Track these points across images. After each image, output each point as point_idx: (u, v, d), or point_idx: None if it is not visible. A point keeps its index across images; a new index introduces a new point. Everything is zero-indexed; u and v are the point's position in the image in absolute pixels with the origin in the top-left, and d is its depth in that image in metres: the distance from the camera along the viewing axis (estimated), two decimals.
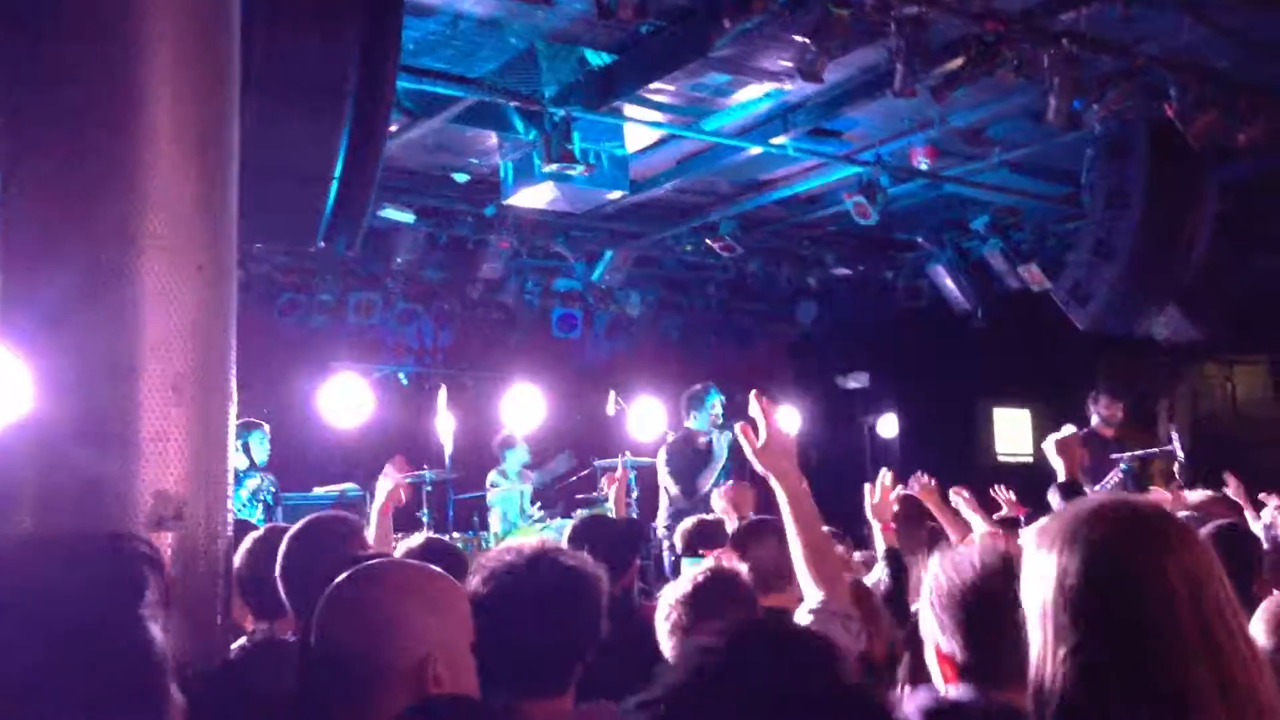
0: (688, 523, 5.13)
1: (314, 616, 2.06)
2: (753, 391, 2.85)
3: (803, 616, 2.65)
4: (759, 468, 2.77)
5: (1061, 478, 3.94)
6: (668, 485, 8.07)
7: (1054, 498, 3.89)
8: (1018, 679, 1.73)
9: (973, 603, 2.11)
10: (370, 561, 2.19)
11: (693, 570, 3.10)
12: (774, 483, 2.76)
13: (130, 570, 1.49)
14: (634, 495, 8.97)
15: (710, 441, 8.07)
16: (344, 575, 2.09)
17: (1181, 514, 5.95)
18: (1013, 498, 6.14)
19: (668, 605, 2.98)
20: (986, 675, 2.07)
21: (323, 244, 4.91)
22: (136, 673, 1.43)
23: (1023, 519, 5.77)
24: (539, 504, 9.29)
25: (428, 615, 2.02)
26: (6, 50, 3.08)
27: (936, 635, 2.15)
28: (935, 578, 2.19)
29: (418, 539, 3.82)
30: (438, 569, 2.17)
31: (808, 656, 1.39)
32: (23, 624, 1.38)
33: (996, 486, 6.22)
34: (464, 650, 2.04)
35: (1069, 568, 1.57)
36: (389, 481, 4.52)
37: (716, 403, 8.12)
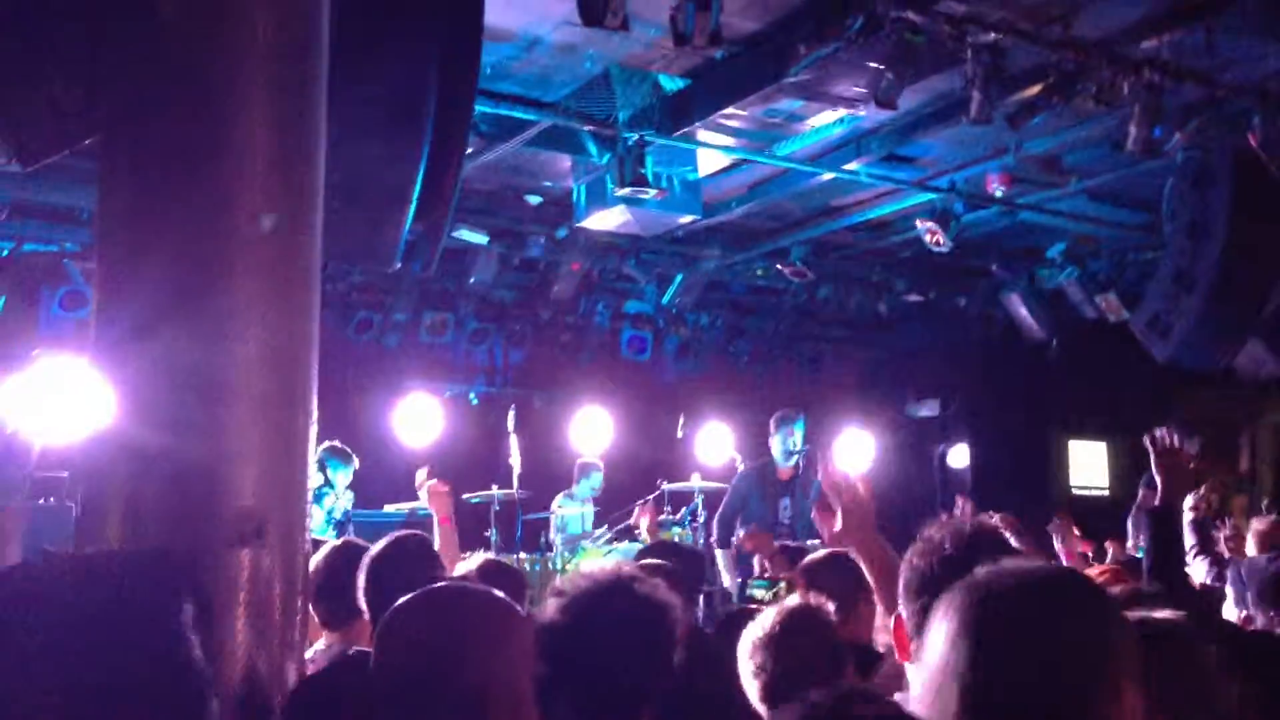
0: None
1: (374, 636, 2.08)
2: (824, 467, 2.78)
3: None
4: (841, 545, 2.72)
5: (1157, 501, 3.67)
6: (753, 510, 8.03)
7: (1145, 524, 3.65)
8: None
9: (924, 568, 2.08)
10: (433, 585, 2.19)
11: (771, 605, 3.03)
12: (857, 556, 2.71)
13: (168, 586, 1.52)
14: (701, 519, 8.95)
15: (788, 470, 7.99)
16: (406, 598, 2.10)
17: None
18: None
19: (750, 643, 2.87)
20: None
21: (400, 265, 4.98)
22: (176, 688, 1.45)
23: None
24: (605, 526, 9.31)
25: (486, 642, 2.01)
26: (105, 68, 3.19)
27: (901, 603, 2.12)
28: (914, 544, 2.17)
29: (475, 559, 3.86)
30: (501, 595, 2.17)
31: None
32: (63, 641, 1.41)
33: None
34: (522, 679, 2.04)
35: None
36: (426, 493, 4.64)
37: (797, 431, 8.02)
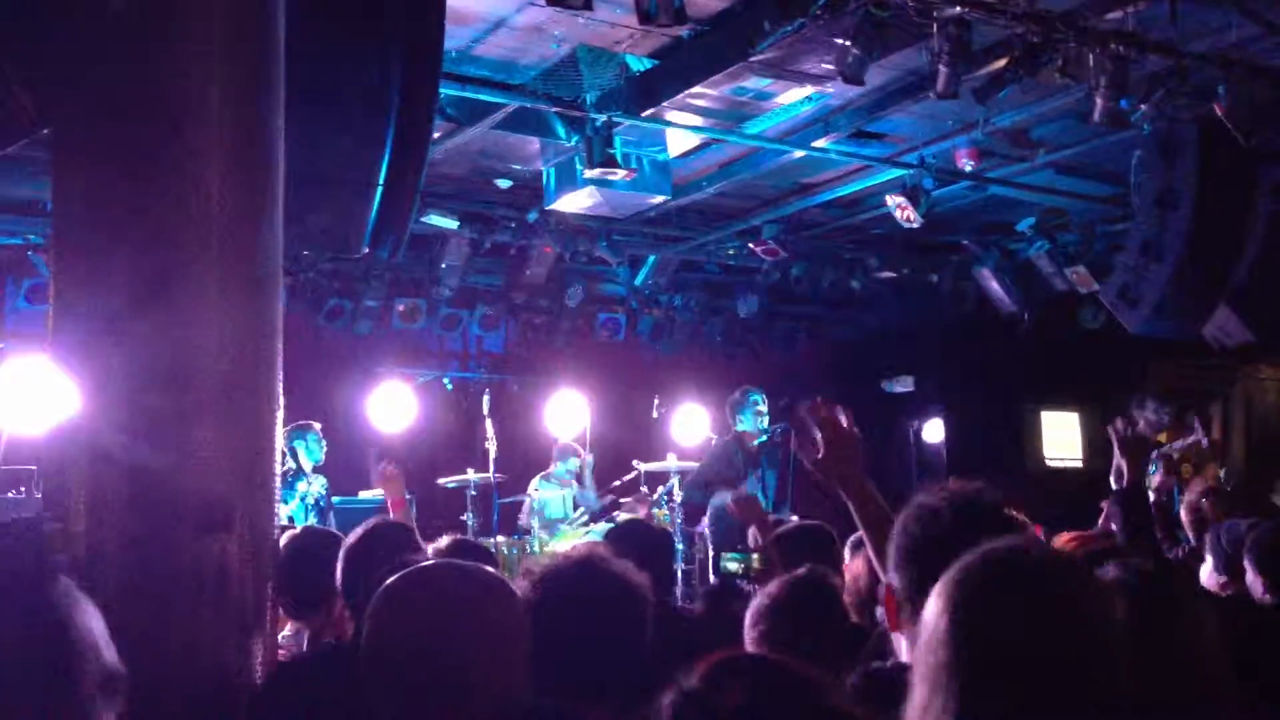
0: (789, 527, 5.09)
1: (365, 617, 2.05)
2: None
3: None
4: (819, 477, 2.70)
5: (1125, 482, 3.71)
6: (714, 483, 8.06)
7: (1115, 508, 3.69)
8: None
9: (919, 537, 2.05)
10: (423, 564, 2.18)
11: (746, 576, 3.03)
12: (843, 493, 2.69)
13: (36, 553, 1.52)
14: (679, 499, 8.97)
15: (762, 443, 8.07)
16: (395, 577, 2.07)
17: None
18: None
19: (756, 611, 2.85)
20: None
21: (368, 250, 4.95)
22: (41, 662, 1.44)
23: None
24: (581, 509, 9.32)
25: (476, 618, 1.99)
26: (57, 63, 3.15)
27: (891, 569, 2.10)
28: (908, 509, 2.15)
29: (445, 540, 3.84)
30: (492, 571, 2.16)
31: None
32: None
33: None
34: (515, 654, 2.03)
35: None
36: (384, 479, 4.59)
37: (760, 403, 8.13)
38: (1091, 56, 6.11)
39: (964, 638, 1.50)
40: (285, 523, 6.49)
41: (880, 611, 2.44)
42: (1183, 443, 9.16)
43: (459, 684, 1.93)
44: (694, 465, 9.09)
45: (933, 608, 1.55)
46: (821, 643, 2.66)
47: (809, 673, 1.48)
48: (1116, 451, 3.73)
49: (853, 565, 3.40)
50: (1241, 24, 6.29)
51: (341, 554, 3.24)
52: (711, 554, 7.96)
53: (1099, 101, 6.30)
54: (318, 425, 8.15)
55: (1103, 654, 1.50)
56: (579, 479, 9.47)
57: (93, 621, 1.50)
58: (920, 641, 1.56)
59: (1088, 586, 1.60)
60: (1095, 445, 12.64)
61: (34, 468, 6.74)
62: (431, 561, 2.23)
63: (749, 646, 2.82)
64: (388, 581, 2.07)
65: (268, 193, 3.16)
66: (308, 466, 8.03)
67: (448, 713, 1.90)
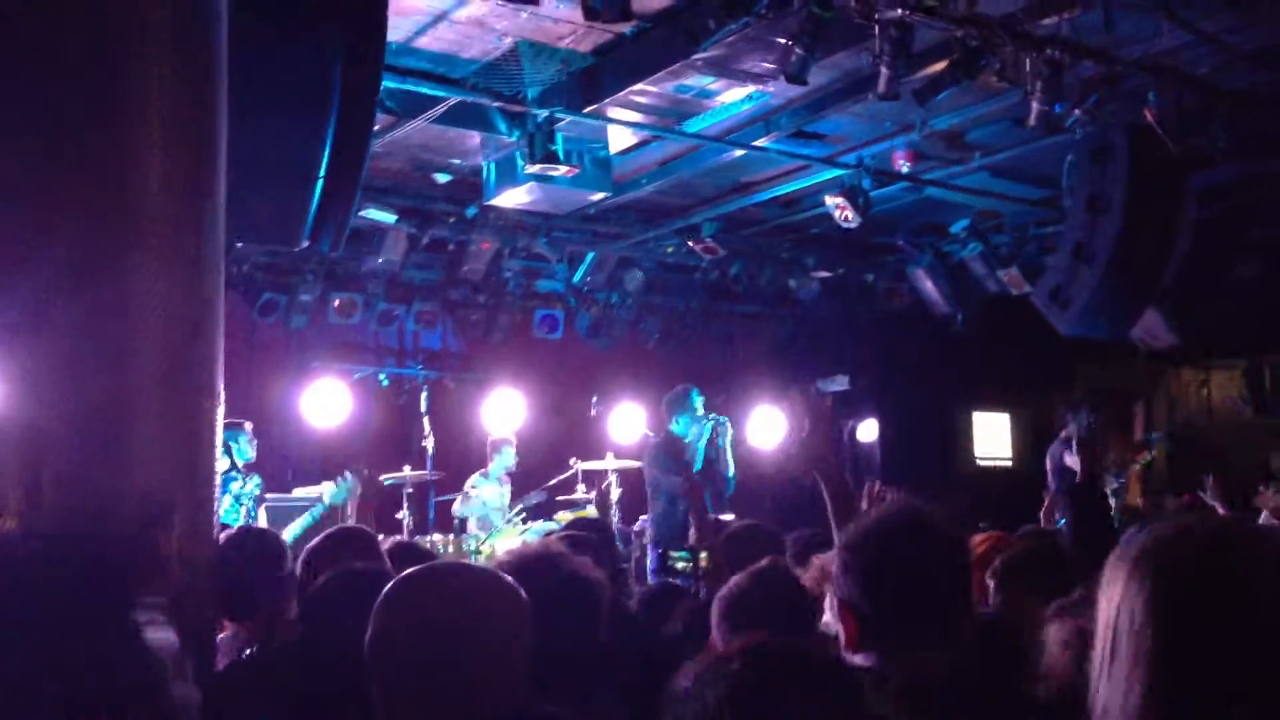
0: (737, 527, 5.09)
1: (374, 621, 1.97)
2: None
3: None
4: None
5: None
6: (661, 484, 8.03)
7: (1063, 498, 3.76)
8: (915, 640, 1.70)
9: (874, 549, 2.06)
10: (435, 563, 2.13)
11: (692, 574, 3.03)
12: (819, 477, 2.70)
13: (119, 570, 1.48)
14: (614, 497, 8.97)
15: (693, 443, 8.08)
16: (406, 575, 2.03)
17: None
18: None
19: (722, 604, 2.83)
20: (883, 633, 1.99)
21: (307, 244, 4.89)
22: (126, 673, 1.41)
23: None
24: (519, 506, 9.27)
25: (487, 620, 1.96)
26: None
27: (839, 583, 2.10)
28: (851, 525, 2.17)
29: (386, 542, 3.79)
30: (502, 575, 2.13)
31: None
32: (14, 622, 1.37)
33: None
34: (520, 656, 1.99)
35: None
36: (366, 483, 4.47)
37: (699, 405, 8.14)
38: (1028, 61, 6.22)
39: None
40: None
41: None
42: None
43: (466, 686, 1.90)
44: (631, 464, 9.10)
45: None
46: (791, 632, 2.67)
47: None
48: (1076, 450, 3.79)
49: (805, 577, 3.40)
50: (1172, 31, 6.44)
51: (301, 558, 3.19)
52: (651, 553, 7.96)
53: (1034, 106, 6.40)
54: (249, 425, 8.02)
55: None
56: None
57: (167, 644, 1.46)
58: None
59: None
60: (1025, 445, 12.88)
61: None
62: (439, 563, 2.18)
63: (718, 640, 2.80)
64: (398, 580, 2.02)
65: (210, 178, 3.10)
66: (239, 462, 7.90)
67: (453, 715, 1.86)
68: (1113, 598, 1.47)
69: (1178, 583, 1.43)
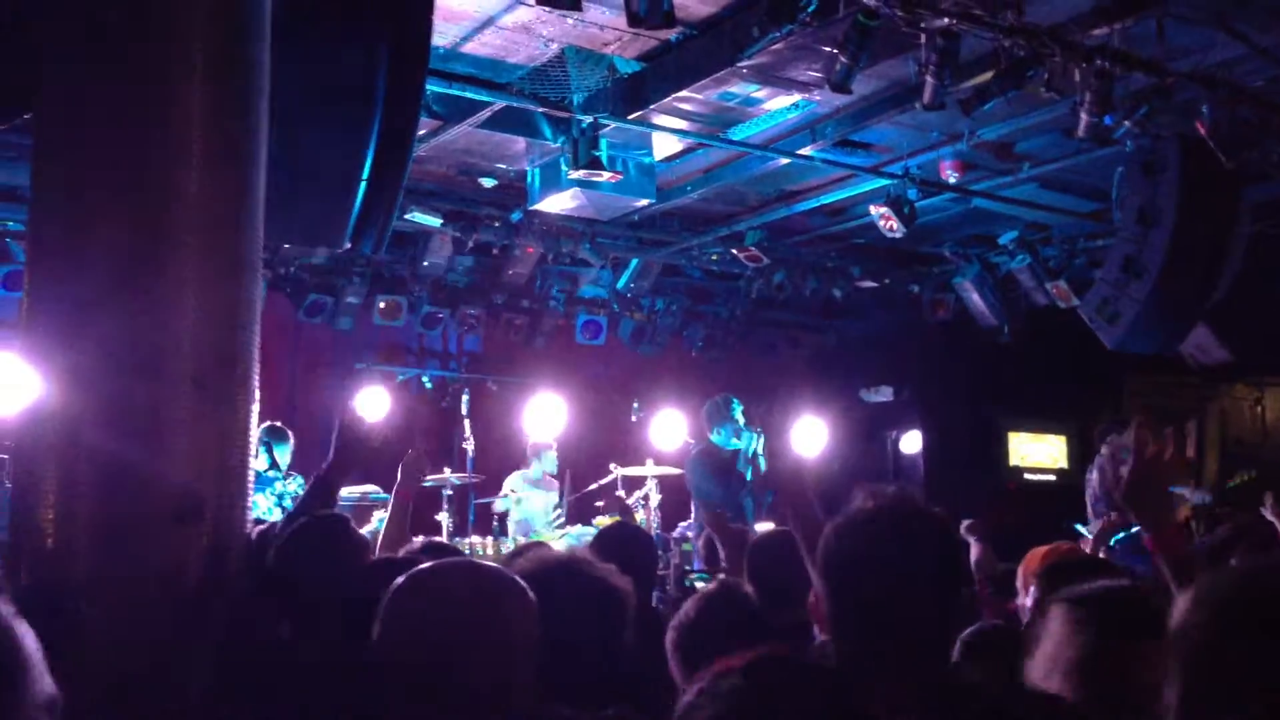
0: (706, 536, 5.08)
1: (379, 619, 1.96)
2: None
3: None
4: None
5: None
6: (704, 494, 8.03)
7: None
8: None
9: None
10: (441, 563, 2.11)
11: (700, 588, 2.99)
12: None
13: None
14: (654, 504, 8.95)
15: (736, 453, 8.03)
16: (409, 575, 2.01)
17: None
18: None
19: (672, 627, 2.81)
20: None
21: (350, 245, 4.93)
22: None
23: None
24: (559, 511, 9.29)
25: (491, 618, 1.95)
26: (43, 46, 3.11)
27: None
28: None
29: (417, 541, 3.78)
30: (508, 572, 2.11)
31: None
32: None
33: None
34: (526, 655, 1.98)
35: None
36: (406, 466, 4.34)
37: (739, 415, 8.07)
38: (1077, 72, 6.14)
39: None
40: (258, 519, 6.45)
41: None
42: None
43: (469, 686, 1.89)
44: (671, 470, 9.08)
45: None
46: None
47: None
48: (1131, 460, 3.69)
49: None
50: (1226, 44, 6.33)
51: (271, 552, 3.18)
52: (695, 564, 7.96)
53: (1083, 117, 6.32)
54: (291, 436, 8.10)
55: None
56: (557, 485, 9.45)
57: (33, 642, 1.47)
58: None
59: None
60: (1071, 460, 12.71)
61: (4, 457, 6.68)
62: (446, 562, 2.16)
63: (675, 671, 2.74)
64: (399, 580, 2.01)
65: (249, 186, 3.14)
66: (283, 465, 8.00)
67: (459, 713, 1.86)
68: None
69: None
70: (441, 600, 1.95)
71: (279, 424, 8.05)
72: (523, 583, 2.04)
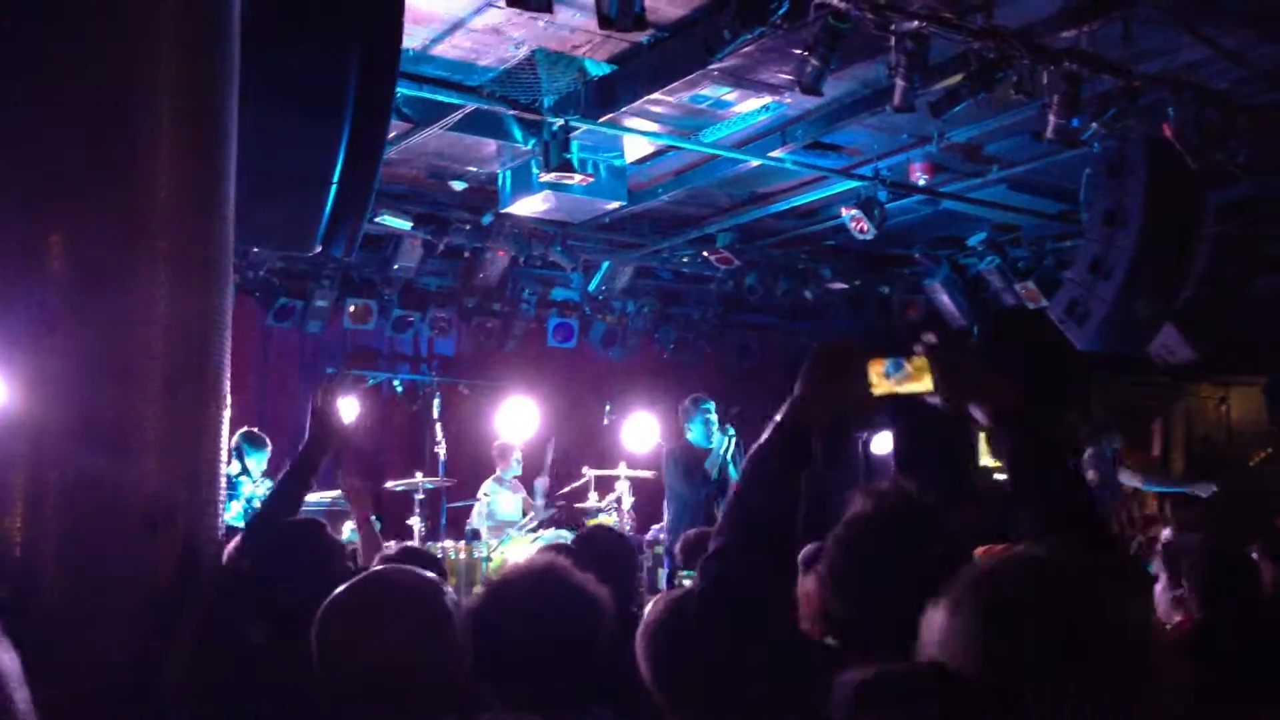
0: (690, 534, 5.08)
1: (316, 628, 2.04)
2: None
3: None
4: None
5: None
6: (673, 492, 8.08)
7: None
8: None
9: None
10: (360, 576, 2.17)
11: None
12: None
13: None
14: (626, 506, 8.95)
15: (709, 451, 8.07)
16: (336, 594, 2.09)
17: None
18: None
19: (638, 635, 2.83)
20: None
21: (320, 249, 4.90)
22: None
23: None
24: (530, 514, 9.27)
25: (407, 625, 2.01)
26: (3, 40, 3.06)
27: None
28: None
29: (394, 546, 3.79)
30: (422, 576, 2.15)
31: None
32: None
33: None
34: (450, 658, 2.02)
35: None
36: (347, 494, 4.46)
37: (711, 412, 8.13)
38: (1045, 74, 6.19)
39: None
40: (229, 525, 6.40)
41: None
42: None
43: (396, 689, 1.94)
44: (644, 473, 9.09)
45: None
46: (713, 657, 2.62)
47: None
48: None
49: (805, 582, 3.35)
50: (1192, 47, 6.40)
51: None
52: (666, 562, 7.96)
53: (1051, 119, 6.37)
54: (269, 446, 8.07)
55: None
56: (529, 489, 9.44)
57: (11, 657, 1.46)
58: None
59: None
60: None
61: None
62: (368, 576, 2.21)
63: (646, 674, 2.73)
64: (330, 599, 2.09)
65: (219, 189, 3.10)
66: (256, 471, 7.95)
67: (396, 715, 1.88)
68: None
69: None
70: (357, 609, 2.06)
71: (256, 430, 8.00)
72: (441, 587, 2.12)
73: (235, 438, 7.83)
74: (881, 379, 2.38)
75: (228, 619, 2.91)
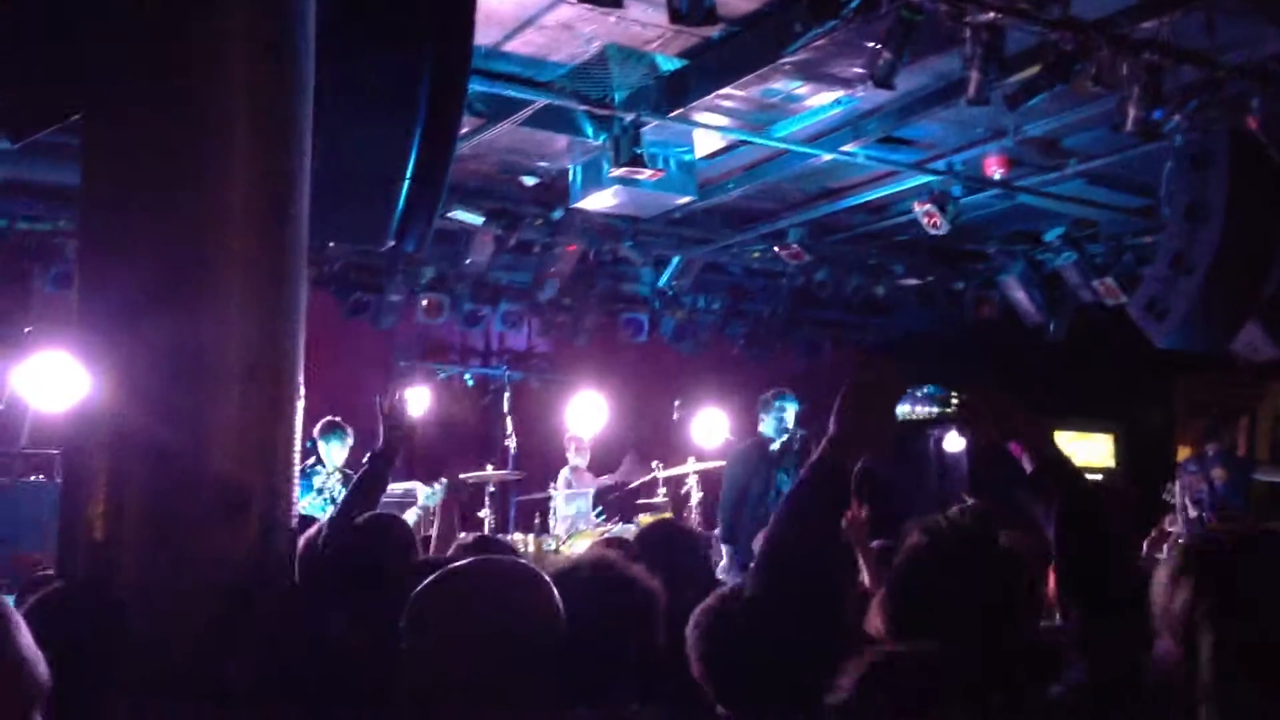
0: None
1: (405, 619, 2.01)
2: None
3: None
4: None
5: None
6: (733, 490, 8.04)
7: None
8: None
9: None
10: (466, 564, 2.14)
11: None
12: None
13: None
14: (695, 501, 8.95)
15: (783, 446, 7.99)
16: (435, 577, 2.05)
17: None
18: None
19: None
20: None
21: (393, 244, 4.97)
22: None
23: None
24: (599, 508, 9.31)
25: (518, 616, 1.98)
26: (92, 47, 3.16)
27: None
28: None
29: (470, 536, 3.85)
30: (535, 569, 2.14)
31: None
32: None
33: None
34: (552, 653, 2.00)
35: None
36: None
37: (787, 407, 8.05)
38: (1125, 65, 6.06)
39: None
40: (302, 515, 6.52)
41: None
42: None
43: (492, 687, 1.91)
44: (712, 468, 9.07)
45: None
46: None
47: None
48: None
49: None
50: (1277, 36, 6.23)
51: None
52: (726, 553, 7.96)
53: (1131, 111, 6.24)
54: (350, 431, 8.18)
55: None
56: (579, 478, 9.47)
57: (26, 633, 1.50)
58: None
59: None
60: (1119, 458, 12.56)
61: (55, 453, 6.79)
62: (472, 562, 2.19)
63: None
64: (430, 578, 2.04)
65: (294, 187, 3.17)
66: (330, 463, 8.07)
67: (485, 710, 1.88)
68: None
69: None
70: (462, 600, 1.99)
71: (338, 419, 8.11)
72: (546, 579, 2.06)
73: (317, 428, 7.95)
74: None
75: (307, 609, 2.98)
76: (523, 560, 2.15)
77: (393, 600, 2.48)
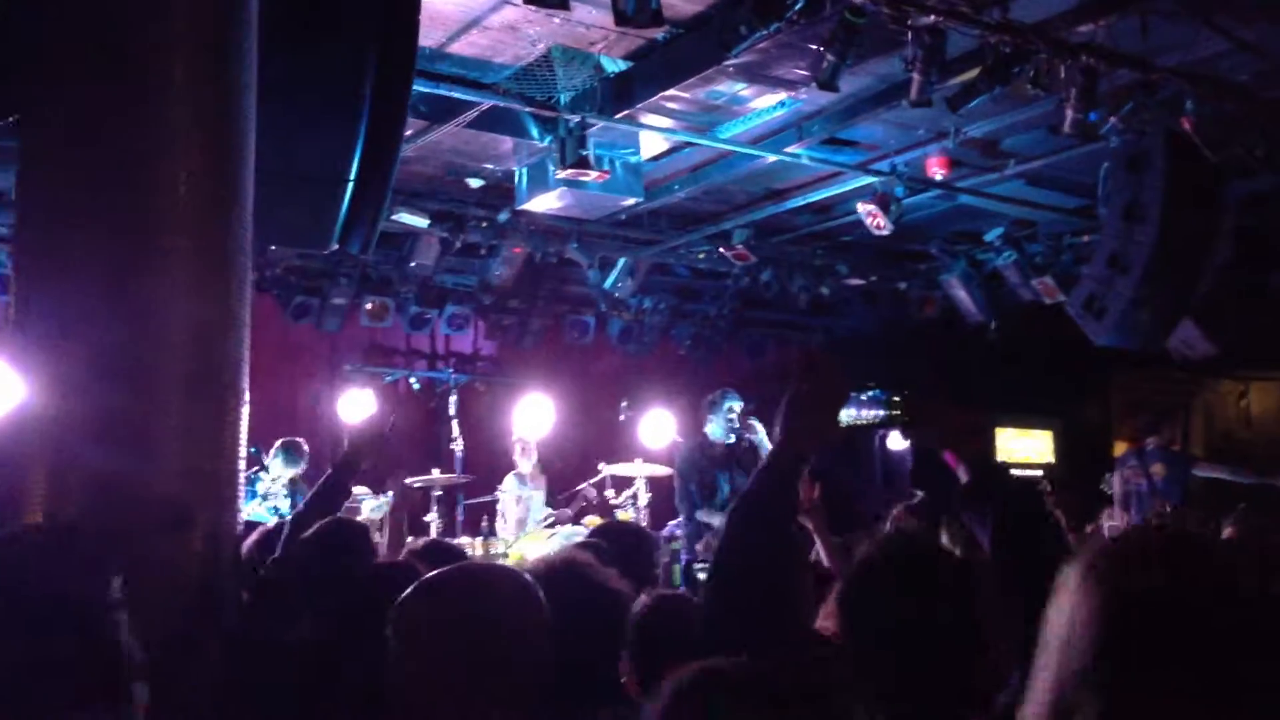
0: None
1: (394, 621, 1.99)
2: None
3: None
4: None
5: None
6: (685, 491, 8.06)
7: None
8: None
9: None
10: (460, 566, 2.14)
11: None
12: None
13: (91, 563, 1.52)
14: (643, 503, 8.95)
15: (729, 447, 8.03)
16: (426, 580, 2.04)
17: None
18: None
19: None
20: None
21: (337, 247, 4.92)
22: (101, 670, 1.44)
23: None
24: (548, 508, 9.28)
25: (513, 617, 1.98)
26: (24, 49, 3.09)
27: None
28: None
29: (419, 541, 3.83)
30: (523, 574, 2.13)
31: None
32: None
33: None
34: (542, 656, 2.00)
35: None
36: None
37: (734, 407, 8.09)
38: (1063, 68, 6.16)
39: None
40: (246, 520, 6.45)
41: None
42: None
43: (480, 690, 1.91)
44: (660, 469, 9.08)
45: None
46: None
47: None
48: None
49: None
50: (1210, 40, 6.36)
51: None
52: (683, 559, 7.97)
53: (1069, 113, 6.34)
54: (305, 458, 8.13)
55: None
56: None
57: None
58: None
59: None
60: (1058, 453, 12.75)
61: None
62: (465, 565, 2.19)
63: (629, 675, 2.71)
64: (416, 585, 2.03)
65: (237, 188, 3.12)
66: (276, 472, 8.00)
67: (480, 708, 1.87)
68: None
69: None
70: (453, 607, 1.98)
71: (299, 440, 8.10)
72: (533, 584, 2.05)
73: (276, 444, 7.96)
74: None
75: (266, 616, 2.94)
76: (509, 565, 2.15)
77: (355, 604, 2.46)
